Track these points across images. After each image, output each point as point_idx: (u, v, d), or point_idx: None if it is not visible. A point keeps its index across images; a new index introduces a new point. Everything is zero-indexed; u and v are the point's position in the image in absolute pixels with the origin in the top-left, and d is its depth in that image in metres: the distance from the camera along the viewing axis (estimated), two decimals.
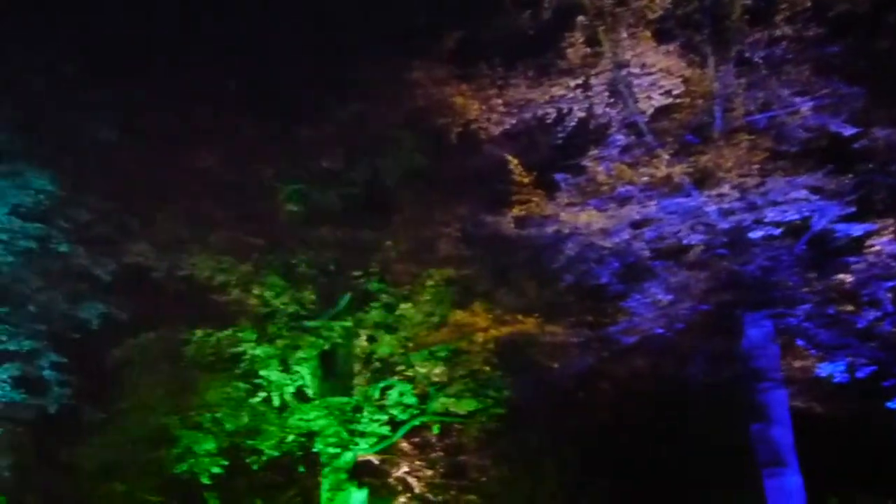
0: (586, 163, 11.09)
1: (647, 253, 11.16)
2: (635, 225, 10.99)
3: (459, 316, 12.19)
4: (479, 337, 11.90)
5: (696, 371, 11.54)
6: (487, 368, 13.42)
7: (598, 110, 10.93)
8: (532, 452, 14.94)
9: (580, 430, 13.98)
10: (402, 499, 15.68)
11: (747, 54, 10.59)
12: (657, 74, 10.51)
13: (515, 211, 11.22)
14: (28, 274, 14.70)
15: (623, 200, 10.87)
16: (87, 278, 14.47)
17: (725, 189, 10.27)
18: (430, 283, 13.67)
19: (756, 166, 10.23)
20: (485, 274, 12.81)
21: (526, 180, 11.15)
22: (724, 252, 10.90)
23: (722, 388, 11.78)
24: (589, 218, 10.80)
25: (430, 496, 15.66)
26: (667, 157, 10.68)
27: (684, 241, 11.01)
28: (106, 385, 14.44)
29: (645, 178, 10.64)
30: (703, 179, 10.62)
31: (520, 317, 11.65)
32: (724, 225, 10.68)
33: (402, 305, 13.96)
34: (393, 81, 12.29)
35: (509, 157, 11.27)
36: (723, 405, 12.39)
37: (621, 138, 11.05)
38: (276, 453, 13.84)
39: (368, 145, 13.07)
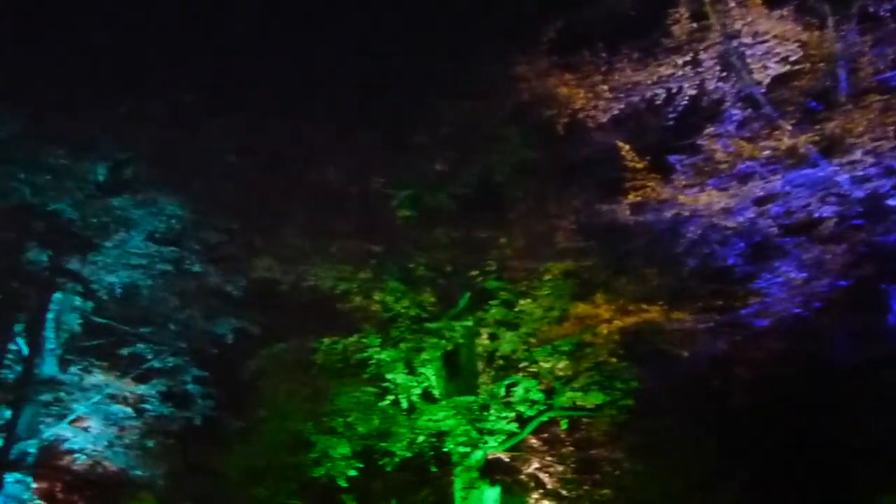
0: (702, 142, 10.72)
1: (774, 230, 10.66)
2: (760, 201, 10.51)
3: (581, 308, 12.00)
4: (603, 328, 11.67)
5: (839, 351, 10.89)
6: (614, 360, 13.16)
7: (710, 86, 10.57)
8: (666, 444, 14.50)
9: (716, 418, 13.45)
10: (534, 495, 15.60)
11: (871, 9, 9.92)
12: (771, 42, 10.04)
13: (631, 198, 10.96)
14: (166, 295, 15.72)
15: (744, 177, 10.43)
16: (220, 295, 15.32)
17: (857, 155, 9.67)
18: (547, 277, 13.54)
19: (891, 128, 9.56)
20: (604, 264, 12.59)
21: (639, 165, 10.87)
22: (861, 223, 10.24)
23: (869, 368, 11.05)
24: (709, 198, 10.42)
25: (562, 492, 15.48)
26: (789, 127, 10.17)
27: (815, 215, 10.45)
28: (244, 395, 15.16)
29: (767, 152, 10.16)
30: (831, 147, 10.04)
31: (644, 305, 11.36)
32: (859, 194, 10.05)
33: (521, 302, 13.91)
34: (497, 78, 12.29)
35: (620, 144, 11.03)
36: (872, 386, 11.61)
37: (738, 112, 10.62)
38: (408, 454, 14.05)
39: (478, 145, 13.12)
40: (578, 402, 14.17)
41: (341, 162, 13.39)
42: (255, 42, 13.88)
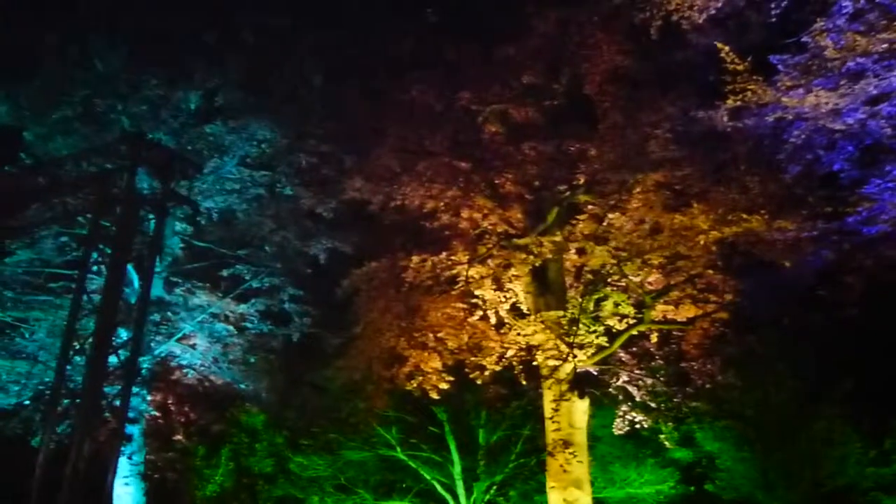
0: (808, 38, 10.05)
1: (888, 131, 10.04)
2: (872, 101, 9.88)
3: (677, 220, 11.69)
4: (700, 239, 11.38)
5: None
6: (710, 272, 12.86)
7: None
8: (763, 356, 14.24)
9: (820, 329, 13.05)
10: (623, 407, 15.70)
11: None
12: None
13: (730, 102, 10.46)
14: (261, 218, 16.25)
15: (855, 76, 9.79)
16: (313, 217, 15.74)
17: None
18: (638, 189, 13.23)
19: None
20: (700, 174, 12.14)
21: (740, 67, 10.32)
22: None
23: None
24: (816, 100, 9.86)
25: (651, 404, 15.53)
26: None
27: None
28: (340, 314, 15.65)
29: (883, 46, 9.47)
30: None
31: (743, 215, 10.99)
32: None
33: (611, 215, 13.68)
34: None
35: (719, 45, 10.45)
36: None
37: (849, 4, 9.86)
38: (497, 368, 14.28)
39: (568, 54, 12.69)
40: (670, 316, 14.03)
41: (429, 79, 13.22)
42: None
